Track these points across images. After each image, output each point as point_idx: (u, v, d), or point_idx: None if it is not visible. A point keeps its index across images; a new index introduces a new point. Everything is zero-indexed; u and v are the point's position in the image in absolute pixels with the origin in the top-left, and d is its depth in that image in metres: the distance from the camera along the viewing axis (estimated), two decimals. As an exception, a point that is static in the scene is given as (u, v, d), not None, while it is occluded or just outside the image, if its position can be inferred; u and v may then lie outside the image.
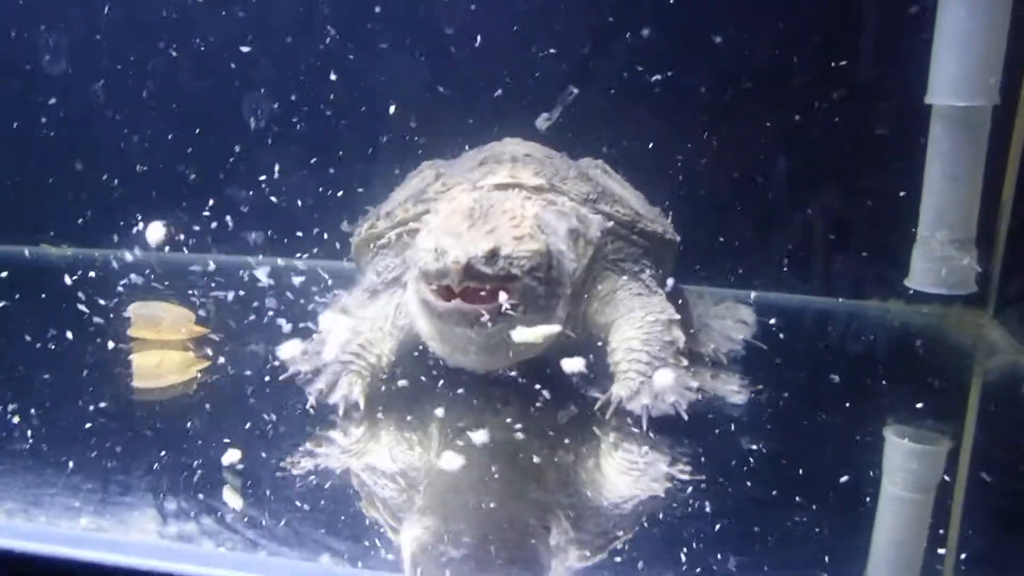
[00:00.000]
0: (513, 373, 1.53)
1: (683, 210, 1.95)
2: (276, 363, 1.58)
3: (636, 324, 1.51)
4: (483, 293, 1.35)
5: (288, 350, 1.55)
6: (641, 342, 1.49)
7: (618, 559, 1.14)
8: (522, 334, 1.37)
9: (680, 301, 1.81)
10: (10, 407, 1.51)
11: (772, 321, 1.91)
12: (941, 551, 1.19)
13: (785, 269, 2.23)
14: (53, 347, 1.77)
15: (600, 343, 1.55)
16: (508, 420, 1.46)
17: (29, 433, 1.42)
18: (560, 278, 1.42)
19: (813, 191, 2.18)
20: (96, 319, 1.85)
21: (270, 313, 1.92)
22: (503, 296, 1.34)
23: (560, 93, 1.92)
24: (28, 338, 1.79)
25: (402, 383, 1.58)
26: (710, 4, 2.10)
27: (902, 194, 2.02)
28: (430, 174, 1.70)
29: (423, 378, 1.59)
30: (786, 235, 2.22)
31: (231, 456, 1.32)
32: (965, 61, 1.76)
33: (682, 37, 2.13)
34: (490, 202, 1.41)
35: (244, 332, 1.81)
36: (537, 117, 1.87)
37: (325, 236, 2.23)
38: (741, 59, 2.11)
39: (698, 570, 1.11)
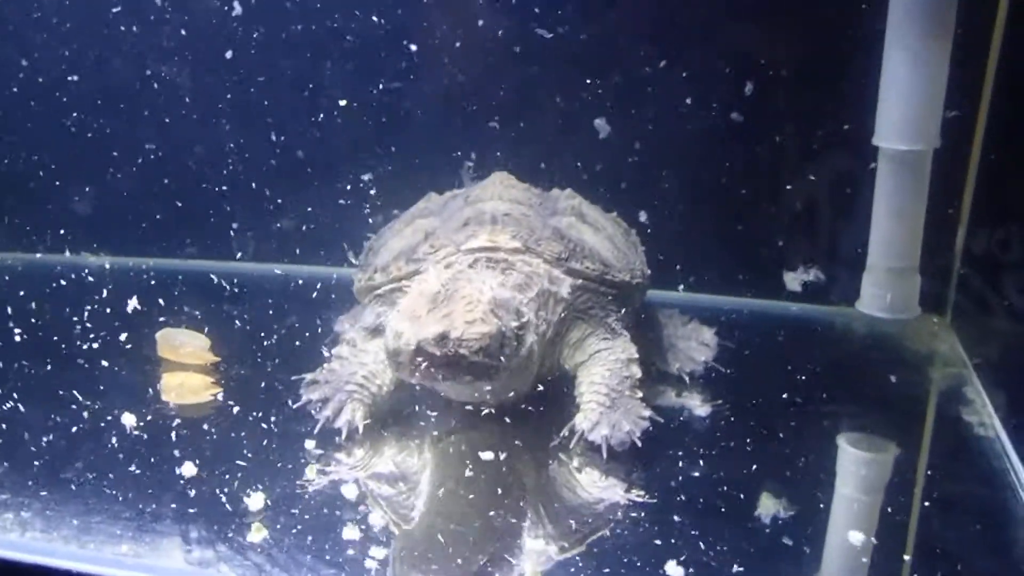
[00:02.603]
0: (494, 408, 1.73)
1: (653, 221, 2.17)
2: (284, 391, 1.81)
3: (600, 363, 1.72)
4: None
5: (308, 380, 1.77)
6: (602, 377, 1.69)
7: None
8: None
9: (652, 322, 2.03)
10: (51, 424, 1.74)
11: (735, 335, 2.09)
12: (892, 551, 1.40)
13: (749, 276, 2.39)
14: (88, 361, 1.99)
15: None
16: (491, 446, 1.66)
17: (73, 452, 1.65)
18: (515, 352, 1.59)
19: (783, 210, 2.33)
20: (132, 334, 2.05)
21: (283, 332, 2.16)
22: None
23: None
24: (69, 348, 2.03)
25: (399, 409, 1.80)
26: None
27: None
28: (422, 226, 1.90)
29: (417, 407, 1.80)
30: (753, 245, 2.37)
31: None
32: (907, 108, 1.92)
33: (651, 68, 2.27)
34: (455, 286, 1.58)
35: (258, 354, 2.04)
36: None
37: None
38: (718, 86, 2.26)
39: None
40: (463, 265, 1.68)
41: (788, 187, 2.25)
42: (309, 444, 1.68)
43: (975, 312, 2.15)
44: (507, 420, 1.73)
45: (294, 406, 1.75)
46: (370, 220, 2.36)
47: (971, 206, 2.18)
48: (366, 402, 1.73)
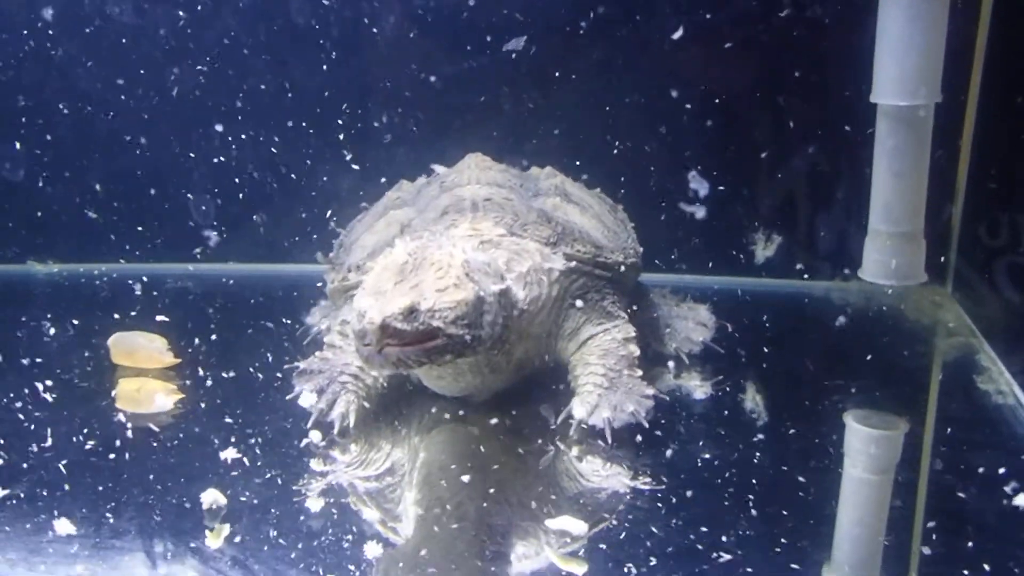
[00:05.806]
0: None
1: (642, 200, 2.08)
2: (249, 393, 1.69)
3: (595, 343, 1.60)
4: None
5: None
6: (597, 357, 1.58)
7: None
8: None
9: (645, 303, 1.91)
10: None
11: (735, 309, 2.00)
12: (903, 531, 1.31)
13: (751, 251, 2.29)
14: (40, 369, 1.84)
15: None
16: (486, 440, 1.55)
17: (20, 469, 1.48)
18: (497, 320, 1.46)
19: (780, 180, 2.24)
20: (83, 342, 1.93)
21: (249, 331, 2.03)
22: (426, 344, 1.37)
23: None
24: (17, 358, 1.88)
25: (391, 401, 1.68)
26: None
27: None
28: (397, 218, 1.76)
29: (410, 398, 1.68)
30: (753, 220, 2.28)
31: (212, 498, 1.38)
32: (905, 62, 1.83)
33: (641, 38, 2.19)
34: (423, 254, 1.44)
35: (221, 354, 1.89)
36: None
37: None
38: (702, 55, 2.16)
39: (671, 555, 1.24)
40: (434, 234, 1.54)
41: (783, 158, 2.18)
42: (282, 448, 1.55)
43: (980, 279, 2.06)
44: (504, 411, 1.61)
45: (287, 398, 1.62)
46: (336, 216, 2.22)
47: (969, 168, 2.09)
48: (360, 395, 1.61)
